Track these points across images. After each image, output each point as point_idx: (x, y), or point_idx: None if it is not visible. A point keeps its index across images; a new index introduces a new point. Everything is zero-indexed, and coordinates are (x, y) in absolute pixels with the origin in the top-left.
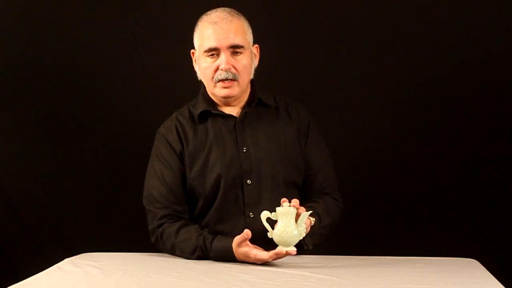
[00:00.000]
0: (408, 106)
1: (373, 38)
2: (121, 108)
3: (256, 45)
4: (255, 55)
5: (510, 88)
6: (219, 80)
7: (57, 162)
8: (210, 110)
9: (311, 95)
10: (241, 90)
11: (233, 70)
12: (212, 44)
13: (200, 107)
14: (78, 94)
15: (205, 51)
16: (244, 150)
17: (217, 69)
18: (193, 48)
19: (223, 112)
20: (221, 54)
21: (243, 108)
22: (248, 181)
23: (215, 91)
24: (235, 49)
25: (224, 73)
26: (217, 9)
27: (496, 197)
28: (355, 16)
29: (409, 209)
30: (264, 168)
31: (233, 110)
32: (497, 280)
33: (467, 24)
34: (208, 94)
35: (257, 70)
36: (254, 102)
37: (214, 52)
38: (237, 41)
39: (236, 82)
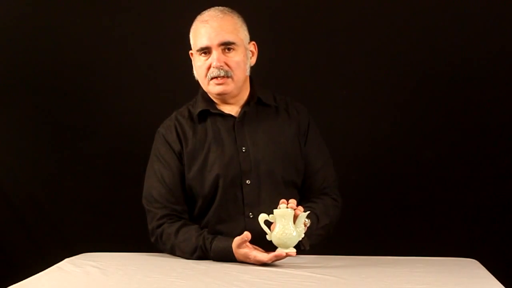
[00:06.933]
0: (408, 106)
1: (373, 37)
2: (121, 108)
3: (253, 42)
4: (252, 52)
5: (510, 88)
6: (212, 78)
7: (57, 162)
8: (209, 110)
9: (310, 95)
10: (236, 87)
11: (225, 67)
12: (203, 42)
13: (199, 107)
14: (78, 94)
15: (198, 50)
16: (243, 150)
17: (209, 67)
18: (191, 49)
19: (222, 112)
20: (213, 52)
21: (242, 107)
22: (247, 181)
23: (210, 89)
24: (226, 46)
25: (216, 70)
26: (211, 8)
27: (496, 197)
28: (355, 14)
29: (409, 209)
30: (263, 168)
31: (232, 110)
32: (497, 280)
33: (467, 25)
34: (207, 94)
35: (255, 68)
36: (253, 101)
37: (206, 50)
38: (228, 38)
39: (230, 79)
